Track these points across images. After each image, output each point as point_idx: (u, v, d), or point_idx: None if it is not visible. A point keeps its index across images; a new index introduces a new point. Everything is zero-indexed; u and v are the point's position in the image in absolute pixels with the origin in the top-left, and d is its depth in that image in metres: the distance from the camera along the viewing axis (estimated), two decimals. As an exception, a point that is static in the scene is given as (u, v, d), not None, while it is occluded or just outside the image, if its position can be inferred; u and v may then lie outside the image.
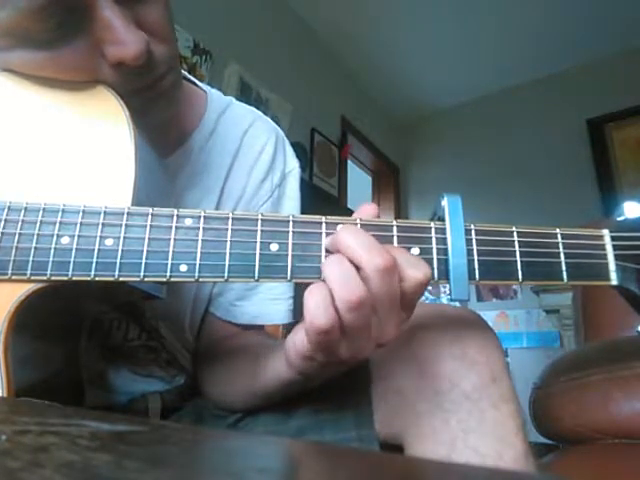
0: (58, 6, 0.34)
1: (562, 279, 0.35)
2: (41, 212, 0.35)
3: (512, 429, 0.38)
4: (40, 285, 0.34)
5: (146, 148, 0.50)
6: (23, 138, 0.39)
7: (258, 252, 0.34)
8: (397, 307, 0.32)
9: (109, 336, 0.51)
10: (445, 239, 0.35)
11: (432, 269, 0.34)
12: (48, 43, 0.36)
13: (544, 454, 0.81)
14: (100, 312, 0.50)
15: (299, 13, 2.69)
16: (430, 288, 2.92)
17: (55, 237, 0.34)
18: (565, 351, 2.17)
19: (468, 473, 0.16)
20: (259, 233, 0.34)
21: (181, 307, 0.55)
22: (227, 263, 0.34)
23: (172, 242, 0.34)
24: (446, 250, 0.34)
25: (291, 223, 0.35)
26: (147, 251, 0.34)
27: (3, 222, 0.35)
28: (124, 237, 0.34)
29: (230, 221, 0.34)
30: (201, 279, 0.34)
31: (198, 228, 0.34)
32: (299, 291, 0.39)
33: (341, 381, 0.43)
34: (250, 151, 0.59)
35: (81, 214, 0.35)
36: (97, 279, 0.33)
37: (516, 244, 0.35)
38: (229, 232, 0.34)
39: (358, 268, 0.31)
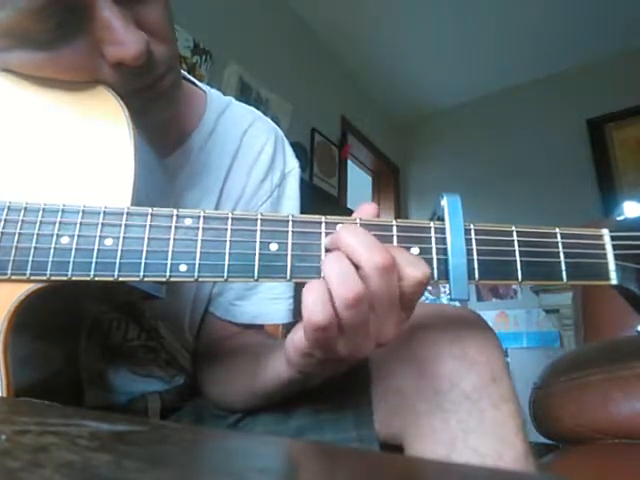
0: (58, 6, 0.34)
1: (562, 279, 0.35)
2: (41, 212, 0.35)
3: (512, 429, 0.38)
4: (40, 285, 0.34)
5: (146, 148, 0.50)
6: (23, 138, 0.39)
7: (258, 252, 0.34)
8: (396, 306, 0.32)
9: (109, 336, 0.51)
10: (445, 239, 0.35)
11: (432, 269, 0.34)
12: (48, 43, 0.36)
13: (544, 454, 0.81)
14: (100, 312, 0.50)
15: (299, 13, 2.69)
16: (430, 288, 2.92)
17: (55, 237, 0.34)
18: (565, 351, 2.17)
19: (468, 473, 0.16)
20: (259, 233, 0.34)
21: (181, 307, 0.55)
22: (227, 263, 0.34)
23: (172, 242, 0.34)
24: (446, 250, 0.34)
25: (291, 223, 0.35)
26: (147, 251, 0.34)
27: (3, 222, 0.34)
28: (124, 237, 0.34)
29: (230, 221, 0.34)
30: (201, 279, 0.34)
31: (198, 228, 0.34)
32: (299, 291, 0.39)
33: (341, 381, 0.43)
34: (250, 151, 0.59)
35: (81, 214, 0.35)
36: (97, 279, 0.33)
37: (516, 244, 0.35)
38: (229, 232, 0.34)
39: (357, 266, 0.31)
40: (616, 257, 0.36)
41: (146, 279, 0.34)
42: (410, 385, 0.41)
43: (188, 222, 0.35)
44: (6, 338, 0.33)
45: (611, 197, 2.66)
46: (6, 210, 0.35)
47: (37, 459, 0.14)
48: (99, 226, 0.34)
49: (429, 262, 0.34)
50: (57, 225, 0.34)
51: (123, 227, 0.34)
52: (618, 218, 0.38)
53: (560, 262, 0.36)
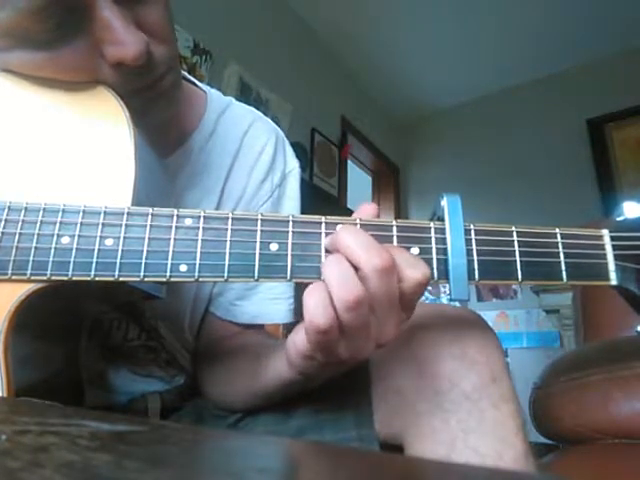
0: (57, 7, 0.34)
1: (562, 279, 0.35)
2: (41, 212, 0.35)
3: (512, 429, 0.38)
4: (40, 285, 0.34)
5: (146, 148, 0.50)
6: (23, 138, 0.39)
7: (258, 252, 0.34)
8: (396, 307, 0.32)
9: (109, 336, 0.51)
10: (445, 239, 0.35)
11: (432, 269, 0.34)
12: (47, 43, 0.36)
13: (544, 454, 0.81)
14: (100, 312, 0.50)
15: (299, 13, 2.69)
16: (430, 288, 2.92)
17: (55, 237, 0.34)
18: (565, 351, 2.17)
19: (468, 473, 0.16)
20: (259, 233, 0.34)
21: (181, 307, 0.55)
22: (227, 263, 0.34)
23: (172, 242, 0.34)
24: (446, 250, 0.34)
25: (291, 223, 0.35)
26: (147, 251, 0.34)
27: (3, 222, 0.35)
28: (124, 237, 0.34)
29: (230, 221, 0.34)
30: (201, 279, 0.34)
31: (198, 228, 0.34)
32: (299, 291, 0.39)
33: (341, 381, 0.43)
34: (250, 151, 0.59)
35: (81, 214, 0.35)
36: (97, 279, 0.33)
37: (516, 244, 0.35)
38: (229, 232, 0.34)
39: (357, 268, 0.31)
40: (616, 257, 0.36)
41: (146, 279, 0.34)
42: (410, 385, 0.41)
43: (188, 222, 0.35)
44: (7, 338, 0.33)
45: (611, 197, 2.66)
46: (6, 210, 0.35)
47: (37, 459, 0.14)
48: (99, 226, 0.34)
49: (429, 262, 0.34)
50: (57, 225, 0.34)
51: (123, 227, 0.34)
52: (618, 218, 0.38)
53: (560, 262, 0.36)
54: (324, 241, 0.34)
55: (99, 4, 0.35)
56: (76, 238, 0.34)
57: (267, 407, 0.48)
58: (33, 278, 0.34)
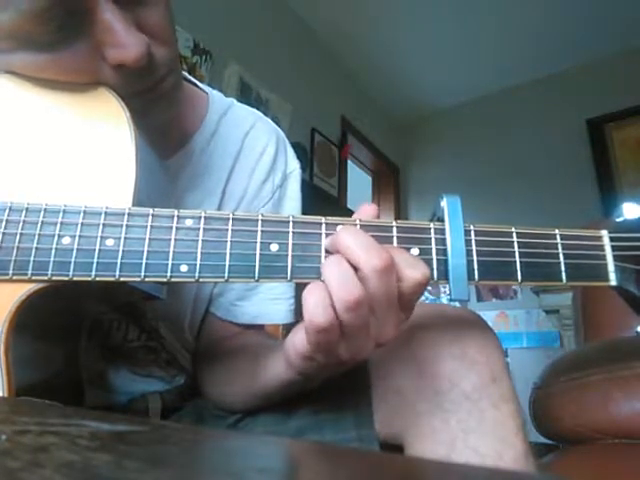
0: (59, 9, 0.34)
1: (561, 280, 0.35)
2: (42, 212, 0.35)
3: (512, 429, 0.38)
4: (41, 285, 0.34)
5: (147, 149, 0.50)
6: (25, 139, 0.39)
7: (258, 252, 0.34)
8: (395, 307, 0.32)
9: (109, 336, 0.51)
10: (444, 240, 0.35)
11: (431, 269, 0.34)
12: (49, 45, 0.36)
13: (544, 454, 0.81)
14: (100, 312, 0.50)
15: (299, 13, 2.69)
16: (430, 288, 2.92)
17: (56, 237, 0.34)
18: (565, 351, 2.17)
19: (468, 473, 0.16)
20: (259, 233, 0.34)
21: (181, 307, 0.55)
22: (227, 263, 0.34)
23: (173, 242, 0.34)
24: (445, 251, 0.35)
25: (291, 224, 0.35)
26: (148, 251, 0.34)
27: (4, 222, 0.35)
28: (125, 237, 0.34)
29: (230, 222, 0.35)
30: (201, 279, 0.34)
31: (198, 229, 0.34)
32: (299, 291, 0.39)
33: (341, 381, 0.43)
34: (251, 153, 0.59)
35: (82, 215, 0.35)
36: (98, 279, 0.33)
37: (515, 245, 0.35)
38: (229, 232, 0.34)
39: (357, 268, 0.31)
40: (615, 258, 0.36)
41: (147, 279, 0.34)
42: (410, 385, 0.41)
43: (189, 223, 0.35)
44: (7, 338, 0.33)
45: (611, 197, 2.66)
46: (7, 210, 0.35)
47: (37, 459, 0.14)
48: (100, 226, 0.34)
49: (429, 263, 0.34)
50: (58, 225, 0.34)
51: (124, 228, 0.34)
52: (617, 219, 0.38)
53: (560, 263, 0.36)
54: (324, 242, 0.34)
55: (100, 6, 0.36)
56: (77, 238, 0.34)
57: (267, 407, 0.48)
58: (34, 278, 0.34)
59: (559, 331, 2.41)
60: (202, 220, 0.35)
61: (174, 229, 0.34)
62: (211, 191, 0.55)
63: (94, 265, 0.33)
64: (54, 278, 0.33)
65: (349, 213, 0.35)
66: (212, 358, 0.56)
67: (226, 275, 0.34)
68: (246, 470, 0.15)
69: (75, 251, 0.34)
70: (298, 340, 0.34)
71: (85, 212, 0.35)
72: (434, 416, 0.39)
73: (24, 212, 0.35)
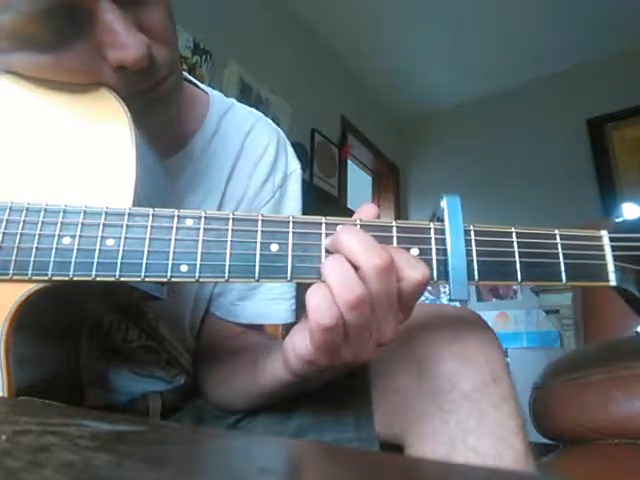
0: (60, 10, 0.34)
1: (561, 280, 0.35)
2: (42, 213, 0.35)
3: (512, 429, 0.38)
4: (41, 285, 0.34)
5: (147, 150, 0.50)
6: (25, 139, 0.39)
7: (258, 252, 0.34)
8: (395, 307, 0.32)
9: (109, 337, 0.51)
10: (444, 240, 0.35)
11: (431, 270, 0.34)
12: (50, 46, 0.36)
13: (544, 454, 0.81)
14: (100, 313, 0.50)
15: (299, 13, 2.69)
16: (430, 288, 2.92)
17: (56, 237, 0.34)
18: (565, 351, 2.17)
19: (468, 473, 0.16)
20: (259, 233, 0.34)
21: (181, 308, 0.55)
22: (227, 263, 0.34)
23: (173, 242, 0.34)
24: (445, 251, 0.35)
25: (291, 224, 0.35)
26: (148, 251, 0.34)
27: (5, 222, 0.35)
28: (125, 237, 0.34)
29: (230, 222, 0.35)
30: (201, 279, 0.34)
31: (199, 228, 0.34)
32: (299, 292, 0.39)
33: (341, 381, 0.43)
34: (252, 153, 0.59)
35: (82, 215, 0.35)
36: (98, 279, 0.33)
37: (515, 245, 0.36)
38: (229, 232, 0.34)
39: (357, 268, 0.31)
40: (615, 259, 0.36)
41: (147, 279, 0.34)
42: (410, 385, 0.41)
43: (189, 223, 0.35)
44: (7, 338, 0.33)
45: (611, 197, 2.66)
46: (8, 211, 0.35)
47: (37, 459, 0.14)
48: (100, 226, 0.34)
49: (429, 263, 0.34)
50: (59, 225, 0.34)
51: (124, 228, 0.34)
52: (617, 220, 0.38)
53: (559, 263, 0.36)
54: (324, 242, 0.34)
55: (101, 7, 0.36)
56: (77, 238, 0.34)
57: (267, 407, 0.48)
58: (34, 278, 0.34)
59: (559, 331, 2.41)
60: (202, 220, 0.35)
61: (174, 229, 0.34)
62: (211, 191, 0.55)
63: (94, 265, 0.33)
64: (54, 278, 0.33)
65: (349, 213, 0.36)
66: (212, 358, 0.56)
67: (226, 275, 0.34)
68: (246, 470, 0.15)
69: (75, 251, 0.34)
70: (298, 343, 0.34)
71: (85, 212, 0.35)
72: (434, 416, 0.39)
73: (24, 212, 0.35)
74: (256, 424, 0.49)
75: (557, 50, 2.90)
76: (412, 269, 0.32)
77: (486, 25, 2.74)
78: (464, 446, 0.37)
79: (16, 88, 0.40)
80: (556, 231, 0.36)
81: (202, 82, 0.62)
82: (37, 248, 0.34)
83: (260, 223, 0.35)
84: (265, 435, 0.47)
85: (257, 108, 0.64)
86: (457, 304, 0.49)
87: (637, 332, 0.38)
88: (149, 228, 0.34)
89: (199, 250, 0.34)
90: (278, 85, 2.37)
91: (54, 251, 0.34)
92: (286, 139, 0.64)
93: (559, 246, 0.36)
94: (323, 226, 0.35)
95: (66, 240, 0.34)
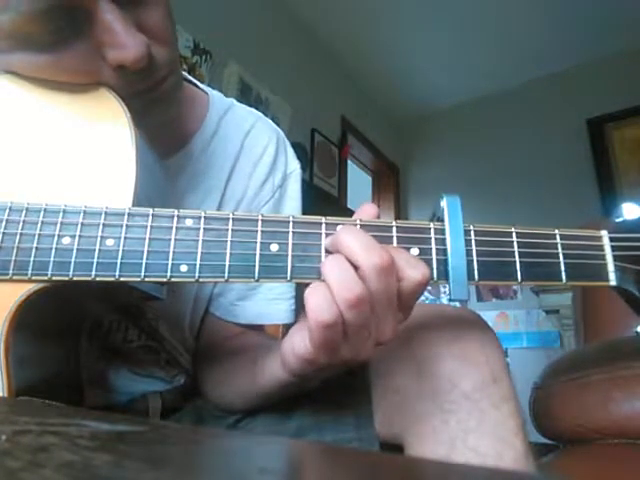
0: (59, 10, 0.34)
1: (561, 280, 0.35)
2: (42, 213, 0.35)
3: (512, 429, 0.38)
4: (41, 285, 0.34)
5: (147, 150, 0.50)
6: (25, 139, 0.39)
7: (258, 252, 0.34)
8: (394, 307, 0.32)
9: (109, 337, 0.51)
10: (444, 240, 0.35)
11: (431, 269, 0.34)
12: (49, 46, 0.36)
13: (544, 454, 0.81)
14: (100, 313, 0.50)
15: (299, 13, 2.69)
16: (430, 288, 2.92)
17: (56, 237, 0.34)
18: (565, 351, 2.17)
19: (468, 473, 0.16)
20: (259, 233, 0.34)
21: (181, 308, 0.55)
22: (227, 263, 0.34)
23: (172, 242, 0.34)
24: (445, 251, 0.35)
25: (291, 224, 0.35)
26: (148, 251, 0.34)
27: (4, 222, 0.35)
28: (125, 237, 0.34)
29: (230, 222, 0.35)
30: (201, 279, 0.34)
31: (199, 228, 0.34)
32: (299, 292, 0.39)
33: (341, 381, 0.43)
34: (251, 153, 0.59)
35: (82, 215, 0.35)
36: (98, 279, 0.33)
37: (515, 245, 0.35)
38: (229, 232, 0.34)
39: (357, 268, 0.31)
40: (615, 258, 0.36)
41: (147, 279, 0.34)
42: (410, 385, 0.41)
43: (189, 223, 0.35)
44: (7, 338, 0.33)
45: (611, 197, 2.66)
46: (7, 211, 0.35)
47: (37, 459, 0.14)
48: (100, 226, 0.34)
49: (429, 263, 0.34)
50: (58, 225, 0.34)
51: (124, 228, 0.34)
52: (617, 220, 0.38)
53: (559, 263, 0.36)
54: (324, 242, 0.34)
55: (100, 7, 0.36)
56: (77, 238, 0.34)
57: (266, 407, 0.48)
58: (34, 278, 0.34)
59: (559, 331, 2.41)
60: (202, 220, 0.35)
61: (174, 229, 0.34)
62: (211, 191, 0.55)
63: (94, 265, 0.33)
64: (54, 278, 0.33)
65: (349, 213, 0.36)
66: (212, 358, 0.56)
67: (226, 275, 0.34)
68: (246, 470, 0.15)
69: (75, 251, 0.34)
70: (297, 343, 0.34)
71: (85, 212, 0.35)
72: (434, 416, 0.39)
73: (24, 212, 0.35)
74: (256, 424, 0.49)
75: (557, 50, 2.90)
76: (412, 269, 0.32)
77: (486, 25, 2.74)
78: (464, 446, 0.37)
79: (15, 88, 0.40)
80: (556, 231, 0.36)
81: (202, 82, 0.62)
82: (37, 248, 0.34)
83: (260, 223, 0.35)
84: (265, 435, 0.47)
85: (257, 108, 0.64)
86: (457, 304, 0.49)
87: (637, 332, 0.38)
88: (149, 228, 0.34)
89: (199, 250, 0.34)
90: (278, 85, 2.37)
91: (54, 251, 0.34)
92: (286, 139, 0.64)
93: (559, 246, 0.36)
94: (323, 226, 0.35)
95: (66, 240, 0.34)
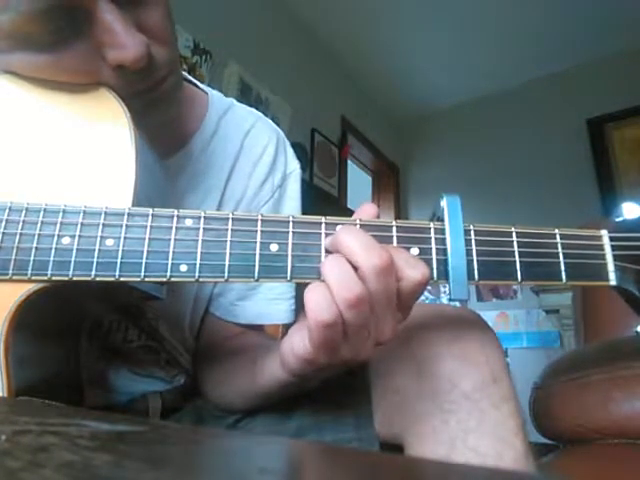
0: (59, 10, 0.34)
1: (561, 279, 0.35)
2: (42, 213, 0.35)
3: (512, 429, 0.38)
4: (41, 285, 0.34)
5: (147, 150, 0.50)
6: (25, 139, 0.39)
7: (258, 252, 0.34)
8: (394, 306, 0.32)
9: (109, 337, 0.51)
10: (444, 239, 0.35)
11: (431, 269, 0.34)
12: (49, 46, 0.36)
13: (544, 454, 0.81)
14: (100, 313, 0.50)
15: (299, 13, 2.69)
16: (430, 288, 2.92)
17: (56, 237, 0.34)
18: (565, 351, 2.17)
19: (468, 473, 0.16)
20: (259, 233, 0.34)
21: (181, 308, 0.55)
22: (227, 263, 0.34)
23: (172, 242, 0.34)
24: (445, 250, 0.35)
25: (291, 223, 0.35)
26: (147, 251, 0.34)
27: (4, 222, 0.35)
28: (125, 237, 0.34)
29: (230, 221, 0.35)
30: (201, 279, 0.34)
31: (198, 228, 0.34)
32: (299, 292, 0.39)
33: (341, 381, 0.43)
34: (251, 153, 0.59)
35: (82, 215, 0.35)
36: (98, 279, 0.33)
37: (515, 244, 0.35)
38: (229, 232, 0.34)
39: (356, 267, 0.31)
40: (615, 258, 0.36)
41: (147, 279, 0.34)
42: (410, 385, 0.41)
43: (189, 223, 0.35)
44: (7, 338, 0.33)
45: (611, 197, 2.66)
46: (7, 211, 0.35)
47: (37, 459, 0.14)
48: (100, 226, 0.34)
49: (429, 263, 0.34)
50: (58, 225, 0.34)
51: (124, 227, 0.34)
52: (617, 219, 0.38)
53: (559, 263, 0.36)
54: (324, 242, 0.34)
55: (100, 7, 0.36)
56: (77, 238, 0.34)
57: (266, 407, 0.48)
58: (34, 278, 0.34)
59: (559, 331, 2.41)
60: (202, 220, 0.35)
61: (174, 229, 0.34)
62: (211, 191, 0.55)
63: (94, 265, 0.33)
64: (54, 278, 0.33)
65: (349, 213, 0.35)
66: (212, 358, 0.56)
67: (226, 275, 0.34)
68: (246, 470, 0.15)
69: (75, 251, 0.34)
70: (297, 343, 0.34)
71: (85, 212, 0.35)
72: (434, 416, 0.39)
73: (24, 212, 0.35)
74: (256, 424, 0.49)
75: (557, 50, 2.90)
76: (412, 269, 0.32)
77: (486, 25, 2.74)
78: (464, 446, 0.37)
79: (15, 88, 0.40)
80: (556, 231, 0.36)
81: (202, 82, 0.62)
82: (37, 248, 0.34)
83: (260, 223, 0.34)
84: (265, 435, 0.47)
85: (257, 108, 0.64)
86: (457, 304, 0.49)
87: (637, 332, 0.38)
88: (149, 228, 0.34)
89: (199, 250, 0.34)
90: (278, 85, 2.37)
91: (54, 251, 0.34)
92: (285, 139, 0.64)
93: (559, 246, 0.36)
94: (323, 226, 0.35)
95: (66, 240, 0.34)
